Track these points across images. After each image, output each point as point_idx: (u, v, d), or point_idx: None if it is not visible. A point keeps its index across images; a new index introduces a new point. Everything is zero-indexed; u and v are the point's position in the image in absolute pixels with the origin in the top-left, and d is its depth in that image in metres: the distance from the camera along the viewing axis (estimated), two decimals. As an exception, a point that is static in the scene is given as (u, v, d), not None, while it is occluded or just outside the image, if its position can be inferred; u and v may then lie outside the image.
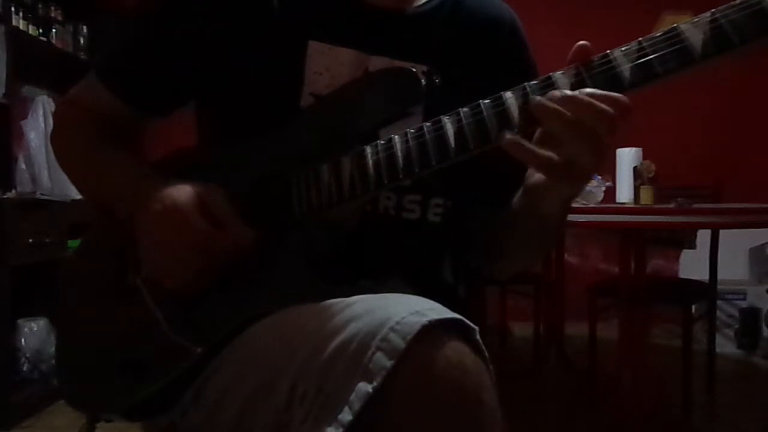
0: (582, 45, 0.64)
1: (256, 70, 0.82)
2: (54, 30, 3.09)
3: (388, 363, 0.56)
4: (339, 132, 0.76)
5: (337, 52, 0.82)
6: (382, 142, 0.71)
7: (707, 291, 2.59)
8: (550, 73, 0.65)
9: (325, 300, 0.68)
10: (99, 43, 3.35)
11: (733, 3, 0.58)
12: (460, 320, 0.60)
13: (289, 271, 0.75)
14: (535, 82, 0.65)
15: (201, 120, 0.92)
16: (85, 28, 3.33)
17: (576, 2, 3.90)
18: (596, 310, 2.67)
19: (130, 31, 0.90)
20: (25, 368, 2.57)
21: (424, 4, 0.88)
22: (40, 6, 3.00)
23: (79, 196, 1.22)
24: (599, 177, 2.32)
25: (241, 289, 0.75)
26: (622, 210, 2.25)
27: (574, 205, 2.16)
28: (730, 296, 3.43)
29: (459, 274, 0.94)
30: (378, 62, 0.83)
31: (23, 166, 2.75)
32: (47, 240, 2.55)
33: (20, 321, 2.60)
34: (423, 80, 0.77)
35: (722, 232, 2.63)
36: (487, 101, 0.66)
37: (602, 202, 2.36)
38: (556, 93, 0.62)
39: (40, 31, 2.99)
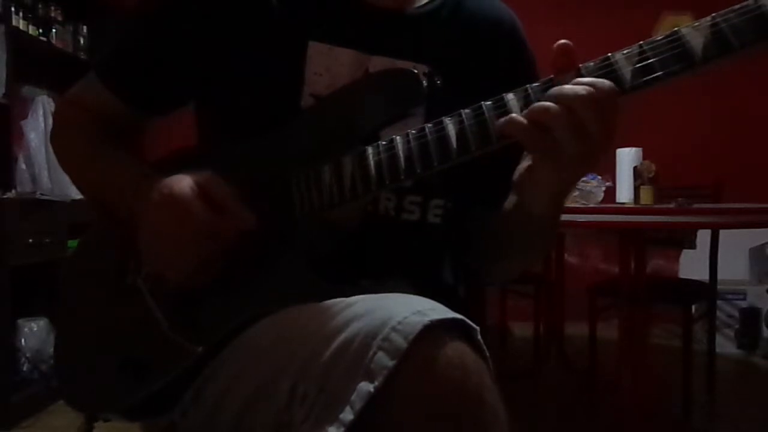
0: (562, 44, 0.63)
1: (256, 71, 0.82)
2: (54, 30, 3.09)
3: (390, 363, 0.56)
4: (339, 133, 0.76)
5: (338, 52, 0.82)
6: (384, 142, 0.71)
7: (707, 291, 2.59)
8: (551, 75, 0.65)
9: (326, 300, 0.68)
10: (99, 42, 3.35)
11: (733, 7, 0.59)
12: (462, 320, 0.60)
13: (290, 272, 0.75)
14: (536, 84, 0.65)
15: (201, 120, 0.92)
16: (85, 28, 3.33)
17: (576, 2, 3.90)
18: (596, 310, 2.67)
19: (130, 31, 0.90)
20: (25, 368, 2.57)
21: (425, 4, 0.88)
22: (40, 6, 3.00)
23: (79, 196, 1.22)
24: (599, 177, 2.32)
25: (241, 289, 0.75)
26: (622, 210, 2.25)
27: (574, 205, 2.17)
28: (730, 296, 3.42)
29: (459, 275, 0.94)
30: (378, 63, 0.83)
31: (23, 166, 2.74)
32: (47, 240, 2.55)
33: (20, 321, 2.60)
34: (424, 81, 0.77)
35: (722, 232, 2.63)
36: (488, 102, 0.66)
37: (602, 202, 2.35)
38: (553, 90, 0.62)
39: (40, 31, 2.99)
